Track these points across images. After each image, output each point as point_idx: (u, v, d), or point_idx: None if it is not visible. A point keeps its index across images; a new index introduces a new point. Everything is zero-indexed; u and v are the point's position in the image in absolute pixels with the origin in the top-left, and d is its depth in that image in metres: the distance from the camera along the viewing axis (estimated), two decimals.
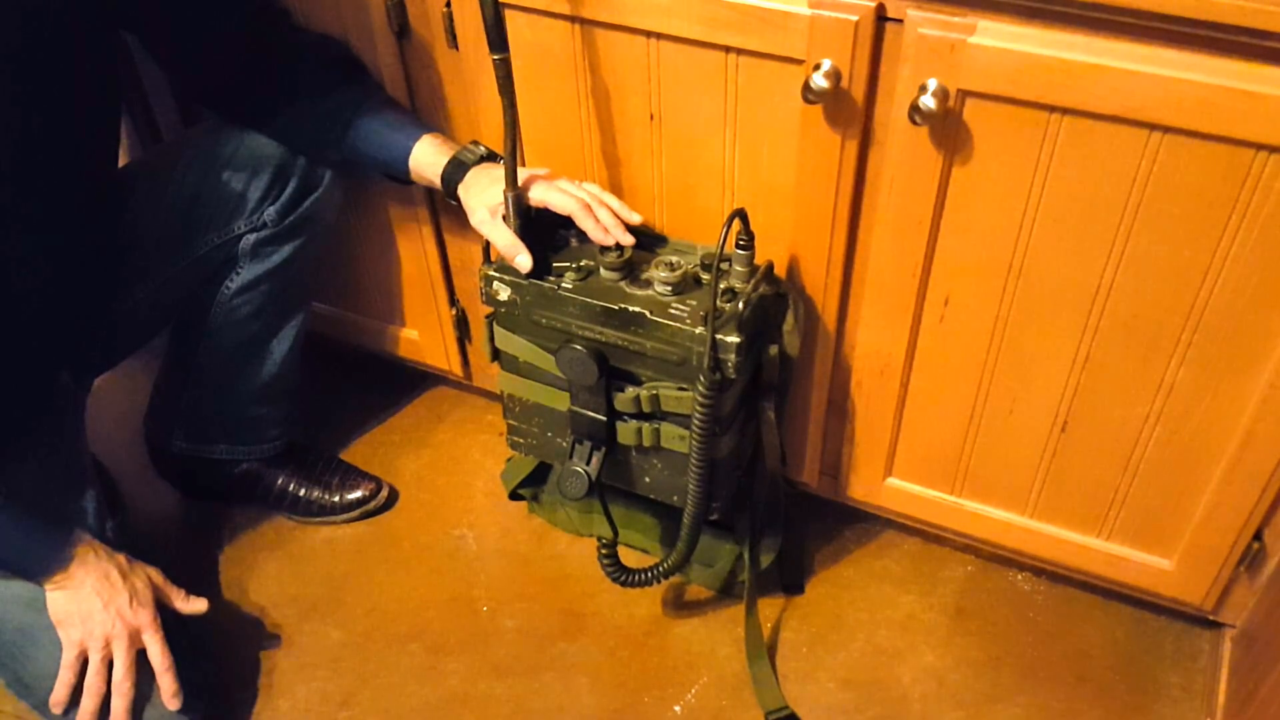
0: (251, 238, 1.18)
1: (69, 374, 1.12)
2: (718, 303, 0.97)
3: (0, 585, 1.03)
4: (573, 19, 0.99)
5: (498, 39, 0.94)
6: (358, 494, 1.37)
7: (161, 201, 1.15)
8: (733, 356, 0.97)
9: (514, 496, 1.37)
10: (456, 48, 1.08)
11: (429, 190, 1.22)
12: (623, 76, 1.01)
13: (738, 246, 1.00)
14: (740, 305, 0.98)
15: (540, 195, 1.03)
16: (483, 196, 1.05)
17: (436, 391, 1.55)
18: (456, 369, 1.42)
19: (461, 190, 1.07)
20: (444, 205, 1.24)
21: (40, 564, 1.02)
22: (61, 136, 0.98)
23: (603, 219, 1.03)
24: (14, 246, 0.95)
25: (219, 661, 1.14)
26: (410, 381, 1.54)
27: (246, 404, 1.31)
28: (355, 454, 1.45)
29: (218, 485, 1.38)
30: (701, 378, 0.98)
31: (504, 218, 1.02)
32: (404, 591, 1.29)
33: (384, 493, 1.39)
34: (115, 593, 1.03)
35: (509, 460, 1.38)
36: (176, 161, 1.17)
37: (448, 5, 1.05)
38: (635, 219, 1.05)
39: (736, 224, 0.98)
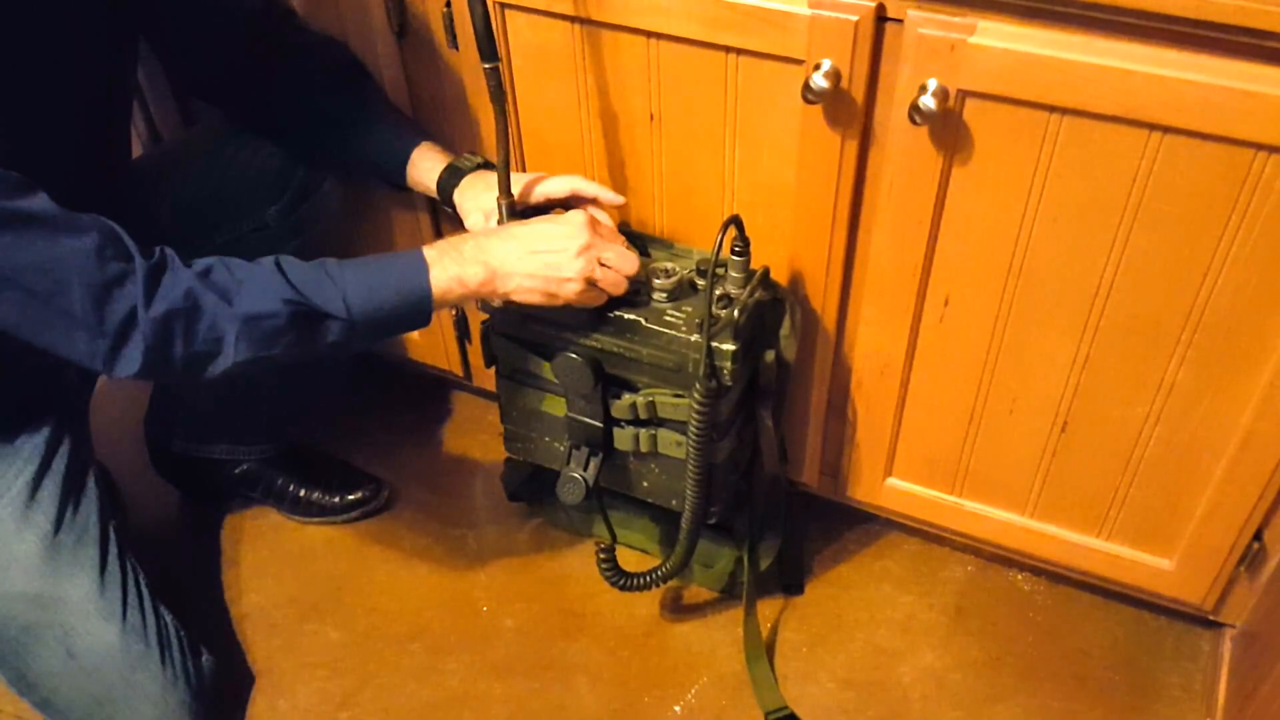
0: (254, 238, 1.18)
1: (75, 372, 1.12)
2: (713, 310, 0.97)
3: (4, 583, 1.02)
4: (573, 19, 0.99)
5: (488, 48, 0.94)
6: (358, 494, 1.37)
7: (164, 201, 1.15)
8: (729, 364, 0.97)
9: (513, 497, 1.37)
10: (456, 48, 1.08)
11: None
12: (623, 76, 1.01)
13: (733, 252, 1.00)
14: (736, 312, 0.97)
15: (542, 190, 1.04)
16: (478, 200, 1.05)
17: (436, 391, 1.55)
18: (456, 369, 1.42)
19: (457, 196, 1.07)
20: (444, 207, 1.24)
21: (415, 272, 0.92)
22: (70, 137, 0.98)
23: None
24: None
25: (219, 662, 1.14)
26: (410, 381, 1.54)
27: (247, 404, 1.31)
28: (355, 454, 1.44)
29: (218, 485, 1.38)
30: (698, 385, 0.97)
31: (498, 223, 1.02)
32: (404, 591, 1.29)
33: (384, 493, 1.39)
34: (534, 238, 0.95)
35: (508, 460, 1.38)
36: (179, 162, 1.17)
37: (448, 5, 1.05)
38: (618, 200, 1.05)
39: (732, 230, 0.98)
